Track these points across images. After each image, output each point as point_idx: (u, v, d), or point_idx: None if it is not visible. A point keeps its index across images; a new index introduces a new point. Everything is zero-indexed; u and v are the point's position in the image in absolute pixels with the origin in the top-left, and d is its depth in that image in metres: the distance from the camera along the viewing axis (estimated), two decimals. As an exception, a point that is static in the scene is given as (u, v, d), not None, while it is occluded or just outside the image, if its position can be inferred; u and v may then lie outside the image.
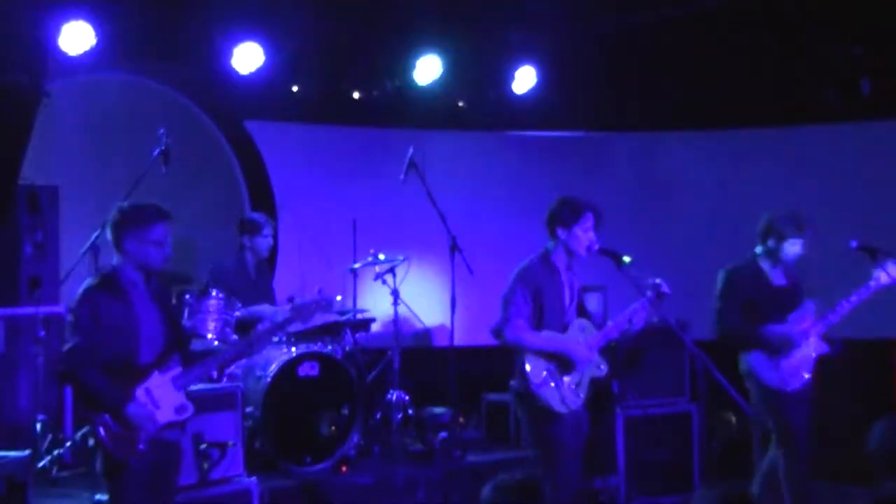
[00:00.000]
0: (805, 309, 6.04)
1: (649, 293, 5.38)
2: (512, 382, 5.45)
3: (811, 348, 5.99)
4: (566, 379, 5.32)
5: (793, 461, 5.95)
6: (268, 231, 7.21)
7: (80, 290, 4.58)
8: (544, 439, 5.34)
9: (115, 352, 4.46)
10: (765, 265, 6.09)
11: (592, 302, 7.23)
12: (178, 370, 4.61)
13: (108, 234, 4.65)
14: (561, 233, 5.36)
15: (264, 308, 6.99)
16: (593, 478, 6.94)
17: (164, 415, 4.51)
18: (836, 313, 6.01)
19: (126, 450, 4.42)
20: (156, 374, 4.53)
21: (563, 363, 5.31)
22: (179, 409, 4.57)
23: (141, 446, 4.43)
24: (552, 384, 5.26)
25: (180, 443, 4.73)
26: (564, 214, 5.36)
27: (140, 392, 4.46)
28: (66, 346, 4.47)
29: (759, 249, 6.11)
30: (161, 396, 4.51)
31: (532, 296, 5.32)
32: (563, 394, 5.31)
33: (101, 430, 4.41)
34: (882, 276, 6.00)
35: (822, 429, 7.63)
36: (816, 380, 5.96)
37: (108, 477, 4.50)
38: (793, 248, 6.01)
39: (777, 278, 6.10)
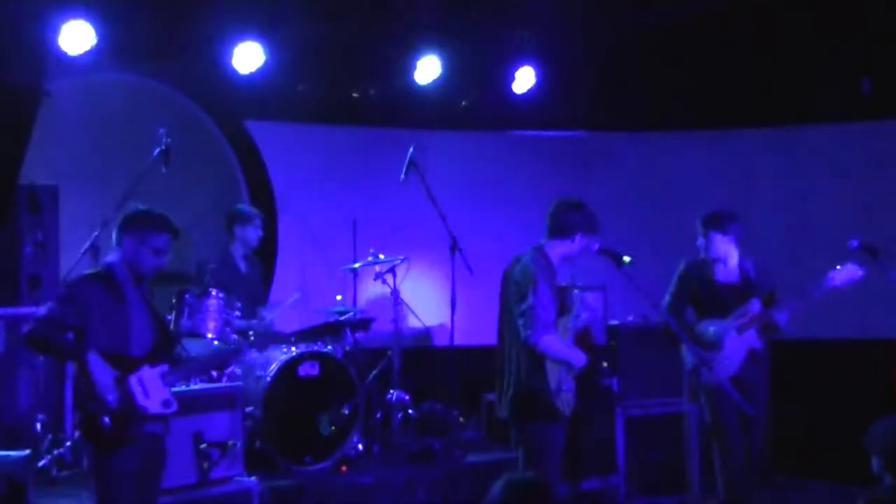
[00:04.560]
0: (749, 306, 6.01)
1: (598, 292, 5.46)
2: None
3: (743, 344, 5.96)
4: (570, 382, 5.31)
5: (726, 455, 5.97)
6: (258, 222, 7.24)
7: (79, 274, 4.77)
8: (542, 440, 5.28)
9: (107, 341, 4.52)
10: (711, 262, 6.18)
11: (593, 302, 7.22)
12: (166, 367, 4.67)
13: (114, 229, 4.72)
14: (580, 238, 5.30)
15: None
16: (594, 477, 6.95)
17: (152, 405, 4.55)
18: (782, 310, 5.96)
19: (125, 429, 4.44)
20: (146, 367, 4.58)
21: (567, 367, 5.28)
22: (165, 404, 4.62)
23: (142, 425, 4.48)
24: (563, 388, 5.24)
25: (164, 439, 4.74)
26: (586, 222, 5.29)
27: (133, 379, 4.52)
28: (44, 311, 4.52)
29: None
30: (151, 387, 4.57)
31: (553, 296, 5.23)
32: (569, 398, 5.31)
33: (100, 413, 4.42)
34: (837, 278, 5.90)
35: (822, 429, 7.65)
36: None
37: (97, 472, 4.50)
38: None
39: (722, 275, 6.14)
